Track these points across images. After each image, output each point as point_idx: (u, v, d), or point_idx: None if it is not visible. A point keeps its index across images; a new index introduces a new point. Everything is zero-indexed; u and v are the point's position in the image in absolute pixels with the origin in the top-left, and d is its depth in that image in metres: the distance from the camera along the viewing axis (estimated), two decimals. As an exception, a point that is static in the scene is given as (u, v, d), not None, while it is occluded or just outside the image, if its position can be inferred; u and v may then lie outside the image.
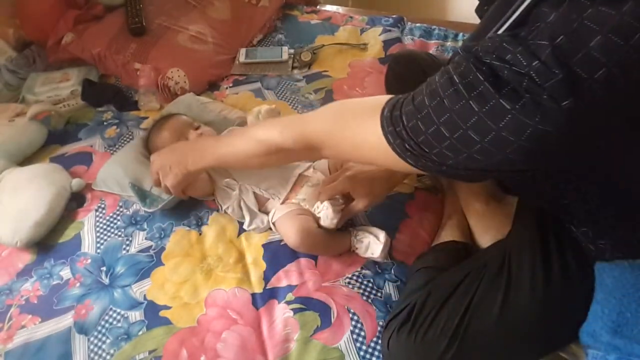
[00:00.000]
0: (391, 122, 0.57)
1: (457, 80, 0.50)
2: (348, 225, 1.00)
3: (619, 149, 0.53)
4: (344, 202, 0.95)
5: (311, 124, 0.72)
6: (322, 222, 0.93)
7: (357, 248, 0.95)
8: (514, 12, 0.49)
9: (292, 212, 0.96)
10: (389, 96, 0.61)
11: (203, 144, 0.93)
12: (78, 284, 0.98)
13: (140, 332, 0.89)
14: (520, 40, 0.46)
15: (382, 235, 0.93)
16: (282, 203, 1.00)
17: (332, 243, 0.95)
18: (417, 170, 0.58)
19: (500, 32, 0.51)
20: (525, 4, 0.48)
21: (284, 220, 0.95)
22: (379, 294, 0.90)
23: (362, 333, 0.85)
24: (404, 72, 1.12)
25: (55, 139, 1.32)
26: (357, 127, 0.63)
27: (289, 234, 0.93)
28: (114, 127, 1.34)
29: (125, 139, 1.30)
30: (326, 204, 0.92)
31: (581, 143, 0.49)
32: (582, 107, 0.43)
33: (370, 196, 0.92)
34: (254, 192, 1.02)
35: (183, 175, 0.92)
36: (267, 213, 1.01)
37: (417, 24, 1.62)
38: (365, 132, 0.61)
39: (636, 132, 0.49)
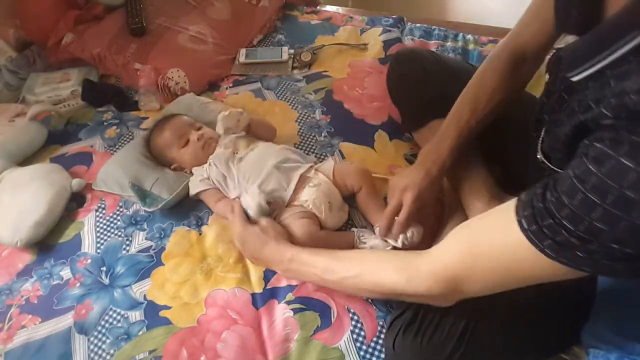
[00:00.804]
0: (544, 234, 0.48)
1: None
2: (351, 225, 1.00)
3: None
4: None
5: (441, 259, 0.63)
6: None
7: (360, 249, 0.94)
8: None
9: (295, 215, 0.95)
10: (511, 205, 0.53)
11: (283, 258, 0.84)
12: (78, 284, 0.98)
13: (140, 332, 0.89)
14: None
15: None
16: (286, 206, 0.99)
17: (335, 245, 0.94)
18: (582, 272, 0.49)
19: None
20: None
21: (287, 222, 0.94)
22: (379, 294, 0.90)
23: (362, 333, 0.85)
24: (405, 71, 1.11)
25: (56, 139, 1.32)
26: (498, 249, 0.55)
27: (292, 236, 0.92)
28: (114, 127, 1.34)
29: (125, 139, 1.30)
30: (411, 232, 0.89)
31: None
32: None
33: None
34: None
35: None
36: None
37: (417, 24, 1.62)
38: (513, 252, 0.53)
39: None
